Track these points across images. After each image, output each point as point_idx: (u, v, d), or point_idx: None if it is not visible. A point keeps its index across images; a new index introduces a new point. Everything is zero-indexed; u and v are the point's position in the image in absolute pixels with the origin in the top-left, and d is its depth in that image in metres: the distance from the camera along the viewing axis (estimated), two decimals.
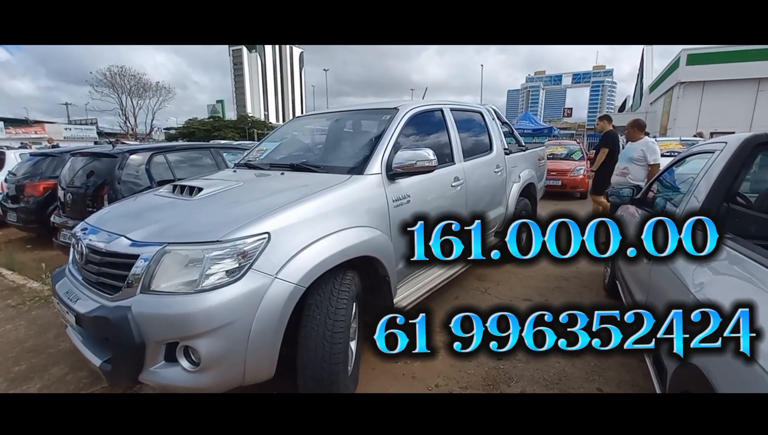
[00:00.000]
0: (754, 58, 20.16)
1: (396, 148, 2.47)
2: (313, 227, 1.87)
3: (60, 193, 4.30)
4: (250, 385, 1.70)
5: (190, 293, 1.56)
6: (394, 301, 2.40)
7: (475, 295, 3.59)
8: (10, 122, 35.41)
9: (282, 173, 2.44)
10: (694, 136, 11.21)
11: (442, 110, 3.10)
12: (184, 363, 1.59)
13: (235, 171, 2.77)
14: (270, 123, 51.30)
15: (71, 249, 2.15)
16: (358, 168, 2.32)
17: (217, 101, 47.71)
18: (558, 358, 2.53)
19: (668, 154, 7.69)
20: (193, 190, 2.14)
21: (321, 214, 1.94)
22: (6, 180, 5.79)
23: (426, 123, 2.94)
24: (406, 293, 2.64)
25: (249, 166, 2.89)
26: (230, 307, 1.56)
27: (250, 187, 2.25)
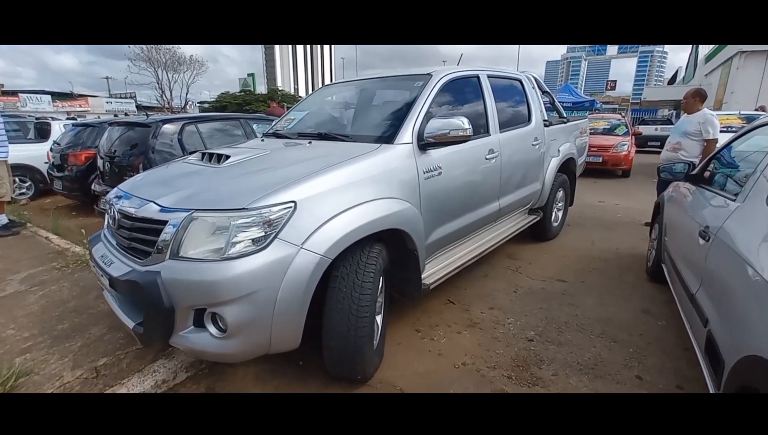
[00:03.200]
0: None
1: (428, 116, 2.34)
2: (340, 197, 1.80)
3: (99, 162, 4.45)
4: (276, 353, 1.71)
5: (217, 260, 1.54)
6: (422, 276, 2.33)
7: (505, 273, 3.46)
8: (56, 96, 37.12)
9: (309, 142, 2.37)
10: (756, 110, 10.20)
11: (478, 77, 2.90)
12: (212, 329, 1.60)
13: (263, 140, 2.73)
14: (299, 96, 51.22)
15: (105, 214, 2.20)
16: (388, 137, 2.21)
17: (249, 75, 47.77)
18: (596, 343, 2.41)
19: (725, 129, 7.04)
20: (220, 158, 2.11)
21: (349, 184, 1.86)
22: (51, 149, 6.07)
23: (461, 90, 2.76)
24: (433, 269, 2.56)
25: (277, 135, 2.84)
26: (256, 275, 1.54)
27: (277, 155, 2.20)
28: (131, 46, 34.22)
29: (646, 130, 15.69)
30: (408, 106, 2.38)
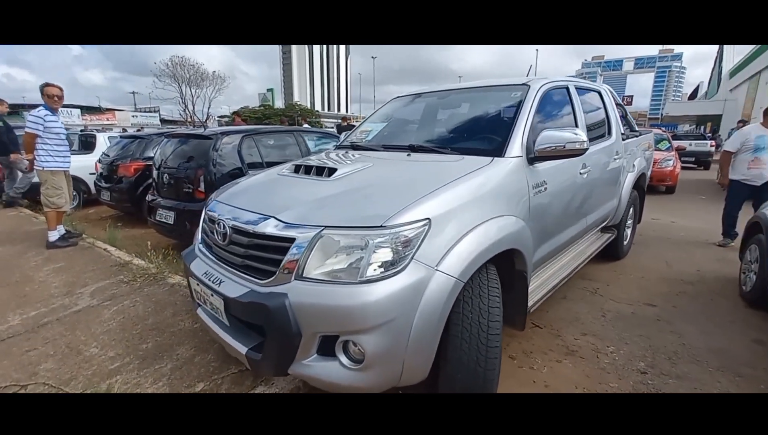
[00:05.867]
0: None
1: (533, 128, 2.20)
2: (467, 214, 1.66)
3: (154, 173, 4.42)
4: (405, 385, 1.54)
5: (353, 283, 1.41)
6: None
7: (584, 295, 3.25)
8: (85, 109, 38.36)
9: (408, 154, 2.24)
10: None
11: (567, 88, 2.76)
12: (343, 359, 1.45)
13: (347, 152, 2.62)
14: (317, 111, 52.07)
15: (199, 228, 2.10)
16: (498, 150, 2.07)
17: (268, 90, 48.79)
18: (719, 377, 2.18)
19: None
20: (323, 171, 1.99)
21: (472, 200, 1.72)
22: (100, 160, 6.12)
23: (554, 102, 2.62)
24: (531, 290, 2.39)
25: (356, 147, 2.73)
26: (395, 300, 1.40)
27: (384, 169, 2.07)
28: (157, 62, 35.36)
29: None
30: (512, 118, 2.25)
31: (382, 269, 1.42)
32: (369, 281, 1.40)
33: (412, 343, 1.45)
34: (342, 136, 3.41)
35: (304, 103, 60.63)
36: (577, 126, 2.73)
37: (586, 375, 2.21)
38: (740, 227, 4.59)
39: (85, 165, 6.57)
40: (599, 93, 3.34)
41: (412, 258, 1.45)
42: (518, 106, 2.30)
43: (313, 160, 2.39)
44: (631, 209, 4.03)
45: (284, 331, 1.44)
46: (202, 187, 3.81)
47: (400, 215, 1.47)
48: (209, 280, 1.73)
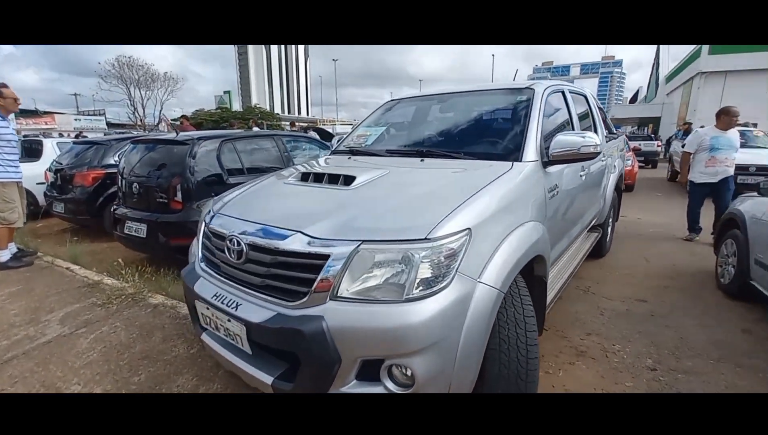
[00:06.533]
0: None
1: (543, 132, 2.20)
2: (500, 222, 1.61)
3: (121, 183, 4.03)
4: None
5: (399, 302, 1.30)
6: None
7: (578, 294, 3.32)
8: (20, 113, 35.09)
9: (422, 160, 2.16)
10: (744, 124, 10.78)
11: (563, 91, 2.80)
12: (390, 384, 1.34)
13: (350, 158, 2.49)
14: (277, 114, 50.83)
15: (198, 243, 1.89)
16: (515, 155, 2.04)
17: (225, 92, 46.74)
18: (721, 369, 2.28)
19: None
20: (338, 179, 1.86)
21: (504, 207, 1.67)
22: (51, 169, 5.53)
23: (554, 105, 2.65)
24: None
25: (356, 152, 2.60)
26: (445, 318, 1.31)
27: (404, 176, 1.97)
28: (101, 62, 33.04)
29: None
30: (520, 122, 2.23)
31: (427, 285, 1.32)
32: (415, 299, 1.30)
33: (459, 361, 1.36)
34: (335, 141, 3.28)
35: (263, 105, 58.96)
36: (573, 128, 2.78)
37: (600, 376, 2.23)
38: (703, 222, 4.95)
39: (31, 174, 5.90)
40: (585, 96, 3.43)
41: (456, 271, 1.37)
42: (527, 109, 2.29)
43: (320, 167, 2.25)
44: (611, 208, 4.19)
45: (322, 358, 1.31)
46: (178, 197, 3.52)
47: (443, 226, 1.38)
48: (223, 303, 1.55)
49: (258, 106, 45.38)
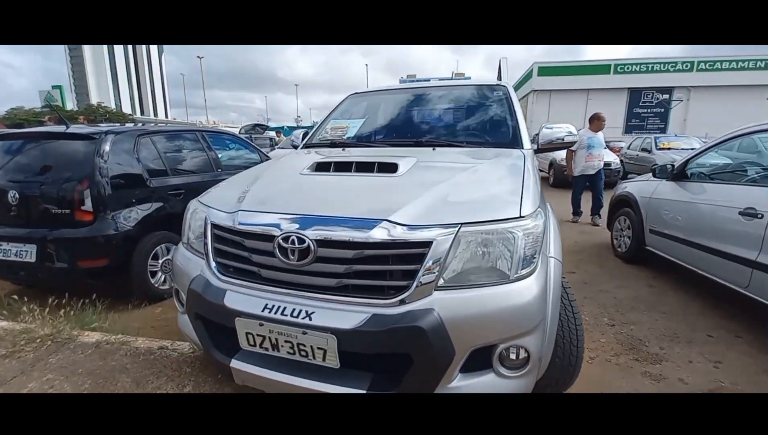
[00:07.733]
0: (584, 72, 25.26)
1: None
2: (540, 202, 1.72)
3: None
4: None
5: (507, 282, 1.28)
6: None
7: None
8: None
9: (433, 149, 2.14)
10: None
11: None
12: (502, 369, 1.30)
13: (343, 149, 2.32)
14: (130, 115, 43.60)
15: (209, 249, 1.52)
16: (516, 142, 2.20)
17: (54, 87, 37.52)
18: (654, 316, 2.83)
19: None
20: (373, 167, 1.73)
21: (538, 189, 1.78)
22: None
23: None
24: None
25: (342, 144, 2.43)
26: (543, 294, 1.35)
27: (439, 163, 1.96)
28: None
29: None
30: (507, 114, 2.42)
31: (528, 263, 1.33)
32: (521, 278, 1.30)
33: (548, 336, 1.41)
34: (296, 137, 3.00)
35: (108, 104, 49.86)
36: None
37: None
38: (585, 207, 6.08)
39: None
40: None
41: (541, 246, 1.41)
42: (508, 103, 2.49)
43: (340, 157, 2.03)
44: None
45: (440, 354, 1.20)
46: (87, 206, 2.74)
47: (525, 204, 1.41)
48: (289, 315, 1.28)
49: (102, 104, 38.18)
